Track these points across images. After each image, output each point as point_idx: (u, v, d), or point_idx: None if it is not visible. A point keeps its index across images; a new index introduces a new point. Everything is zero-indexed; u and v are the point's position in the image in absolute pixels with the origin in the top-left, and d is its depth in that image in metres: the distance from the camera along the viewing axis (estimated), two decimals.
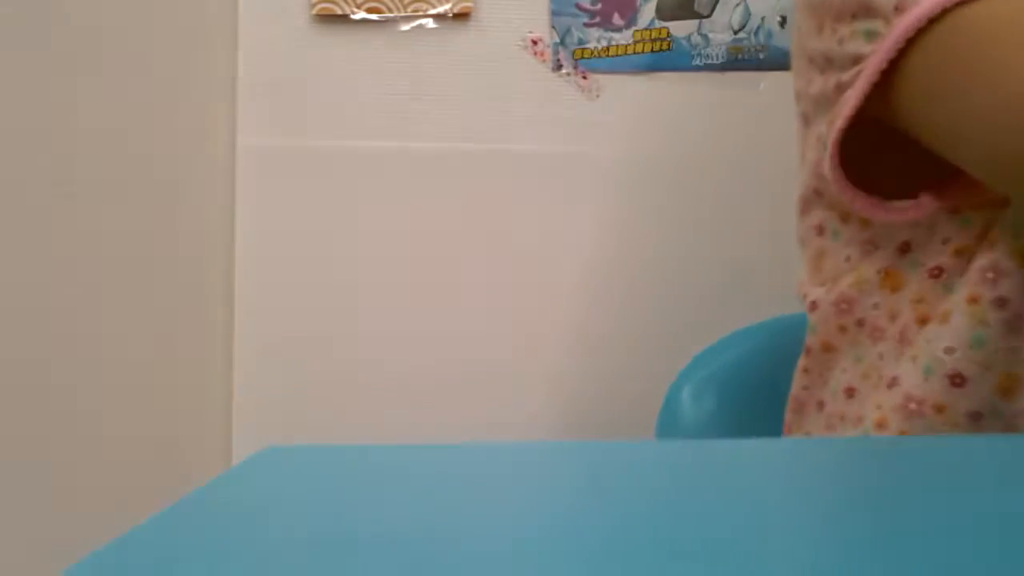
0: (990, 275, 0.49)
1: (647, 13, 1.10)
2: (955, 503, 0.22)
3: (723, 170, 1.12)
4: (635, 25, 1.10)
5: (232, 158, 1.13)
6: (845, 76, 0.51)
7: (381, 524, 0.22)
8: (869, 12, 0.51)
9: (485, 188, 1.12)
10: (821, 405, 0.59)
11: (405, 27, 1.11)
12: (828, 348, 0.57)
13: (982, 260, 0.50)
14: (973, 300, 0.49)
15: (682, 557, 0.18)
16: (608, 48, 1.10)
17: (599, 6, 1.10)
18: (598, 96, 1.11)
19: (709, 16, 1.11)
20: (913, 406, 0.50)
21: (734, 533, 0.20)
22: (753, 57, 1.10)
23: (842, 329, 0.56)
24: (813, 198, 0.57)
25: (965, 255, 0.51)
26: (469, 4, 1.10)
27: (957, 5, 0.47)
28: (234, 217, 1.13)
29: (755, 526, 0.20)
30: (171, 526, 0.21)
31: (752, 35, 1.10)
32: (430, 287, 1.12)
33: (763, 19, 1.11)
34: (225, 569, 0.19)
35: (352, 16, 1.11)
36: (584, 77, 1.10)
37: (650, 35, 1.10)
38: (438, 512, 0.22)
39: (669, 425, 0.77)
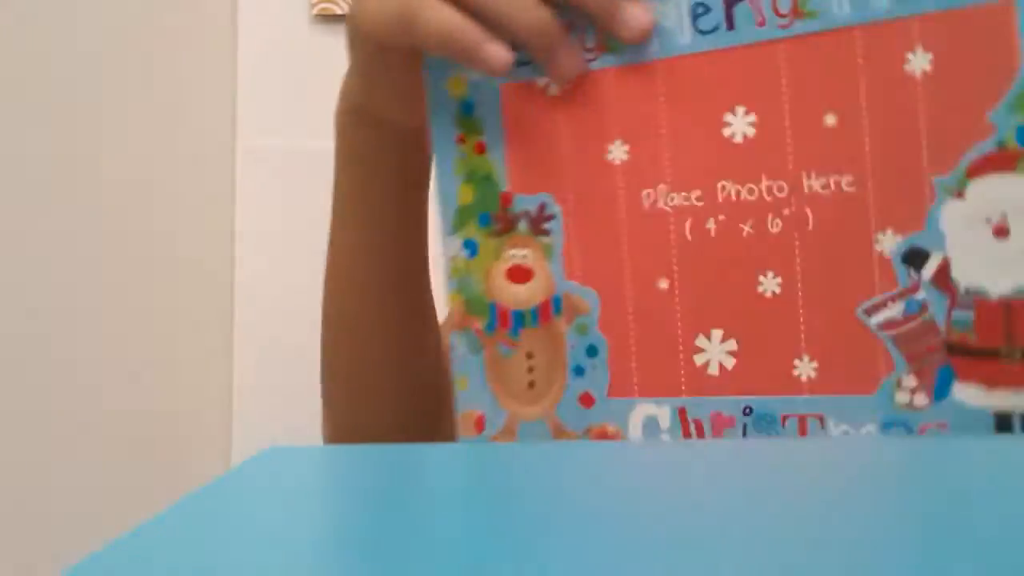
0: None
1: None
2: (957, 503, 0.21)
3: None
4: None
5: (232, 158, 1.13)
6: None
7: (381, 524, 0.22)
8: None
9: None
10: None
11: None
12: None
13: None
14: None
15: (683, 557, 0.18)
16: None
17: None
18: None
19: None
20: None
21: (735, 534, 0.20)
22: None
23: None
24: None
25: None
26: None
27: None
28: (234, 217, 1.13)
29: (756, 526, 0.20)
30: (171, 526, 0.21)
31: None
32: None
33: None
34: (225, 569, 0.19)
35: None
36: None
37: None
38: (438, 512, 0.22)
39: None
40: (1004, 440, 0.30)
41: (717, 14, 0.33)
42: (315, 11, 1.10)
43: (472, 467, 0.28)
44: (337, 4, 1.10)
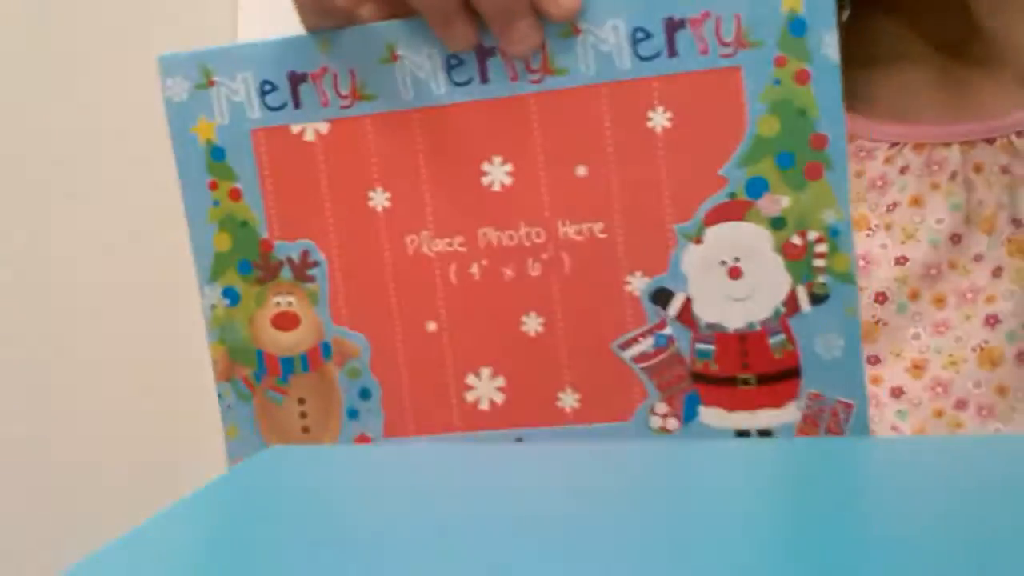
0: None
1: None
2: (957, 504, 0.22)
3: None
4: None
5: None
6: None
7: (381, 524, 0.22)
8: None
9: None
10: None
11: None
12: None
13: None
14: None
15: (680, 558, 0.18)
16: None
17: None
18: None
19: None
20: None
21: (732, 534, 0.20)
22: None
23: None
24: None
25: None
26: None
27: None
28: None
29: (751, 526, 0.20)
30: (171, 526, 0.21)
31: None
32: None
33: None
34: (225, 569, 0.19)
35: None
36: None
37: None
38: (439, 512, 0.22)
39: None
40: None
41: (471, 67, 0.34)
42: None
43: (472, 467, 0.28)
44: None
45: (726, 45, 0.32)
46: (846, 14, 0.66)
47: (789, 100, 0.32)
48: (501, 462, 0.29)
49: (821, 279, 0.32)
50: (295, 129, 0.35)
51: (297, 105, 0.35)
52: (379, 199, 0.35)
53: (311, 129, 0.35)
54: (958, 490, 0.23)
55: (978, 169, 0.50)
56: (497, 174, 0.34)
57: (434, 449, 0.32)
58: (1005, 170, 0.51)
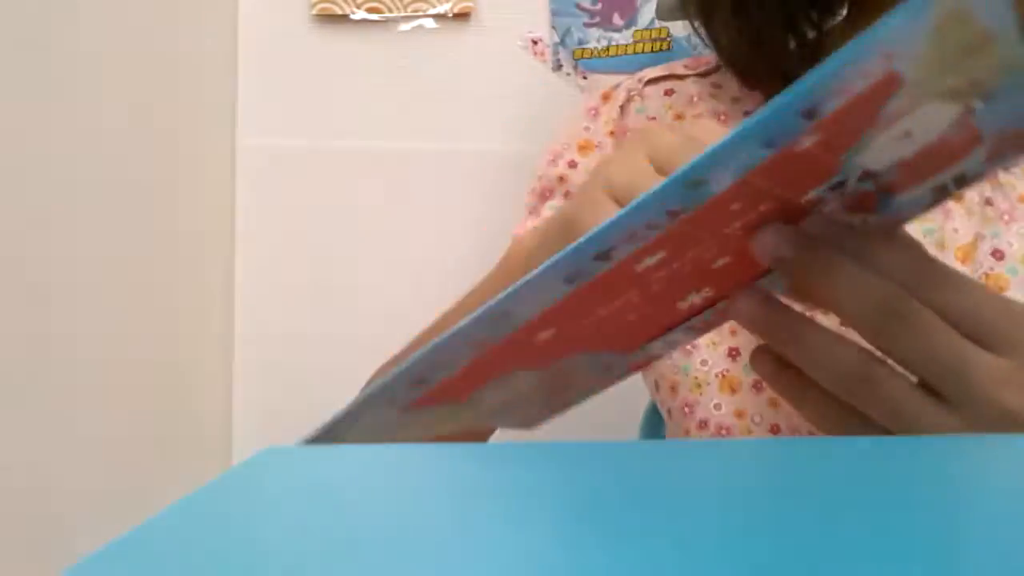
0: None
1: (647, 13, 1.10)
2: (955, 504, 0.22)
3: None
4: (635, 25, 1.10)
5: (232, 158, 1.13)
6: None
7: (381, 524, 0.22)
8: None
9: (485, 188, 1.12)
10: None
11: (405, 27, 1.11)
12: None
13: None
14: None
15: (681, 558, 0.18)
16: (608, 48, 1.10)
17: (599, 6, 1.10)
18: None
19: None
20: None
21: (729, 534, 0.20)
22: None
23: None
24: None
25: None
26: (469, 4, 1.10)
27: None
28: (234, 217, 1.13)
29: (747, 527, 0.20)
30: (171, 526, 0.21)
31: None
32: (431, 288, 1.12)
33: None
34: (225, 569, 0.19)
35: (352, 16, 1.11)
36: (584, 77, 1.11)
37: (650, 35, 1.10)
38: (439, 512, 0.22)
39: (653, 426, 0.78)
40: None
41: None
42: (315, 11, 1.11)
43: (472, 467, 0.28)
44: (337, 4, 1.10)
45: None
46: (843, 14, 0.65)
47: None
48: (502, 462, 0.29)
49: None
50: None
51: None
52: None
53: None
54: (964, 490, 0.23)
55: (958, 198, 0.49)
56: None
57: (435, 449, 0.32)
58: (988, 202, 0.50)
